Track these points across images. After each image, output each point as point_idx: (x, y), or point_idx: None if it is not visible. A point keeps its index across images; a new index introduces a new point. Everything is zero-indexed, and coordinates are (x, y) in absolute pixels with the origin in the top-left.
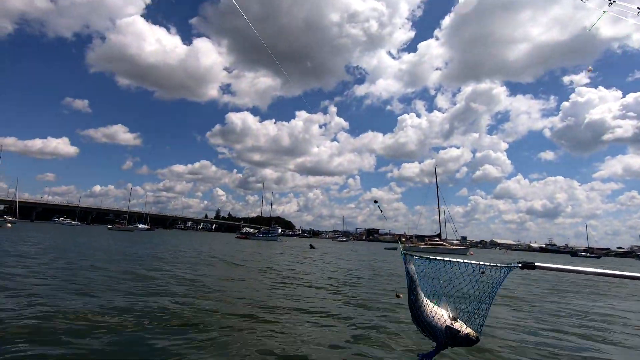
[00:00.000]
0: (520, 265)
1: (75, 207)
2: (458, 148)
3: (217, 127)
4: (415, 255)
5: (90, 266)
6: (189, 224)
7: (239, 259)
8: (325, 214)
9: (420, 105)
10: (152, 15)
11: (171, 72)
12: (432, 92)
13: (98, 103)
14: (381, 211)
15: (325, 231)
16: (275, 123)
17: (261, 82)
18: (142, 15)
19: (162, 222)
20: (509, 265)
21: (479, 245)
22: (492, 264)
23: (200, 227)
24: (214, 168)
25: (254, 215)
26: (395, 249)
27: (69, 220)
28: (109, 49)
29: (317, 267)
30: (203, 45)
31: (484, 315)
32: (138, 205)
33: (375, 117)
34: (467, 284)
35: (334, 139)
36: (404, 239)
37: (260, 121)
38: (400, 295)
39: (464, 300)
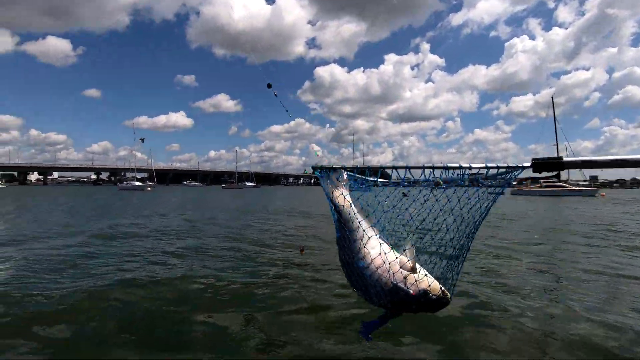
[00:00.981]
0: (531, 164)
1: (197, 171)
2: (587, 70)
3: (307, 83)
4: (346, 171)
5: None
6: (291, 179)
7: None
8: (423, 162)
9: (534, 24)
10: None
11: (259, 35)
12: (551, 4)
13: (202, 76)
14: (280, 102)
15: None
16: (363, 71)
17: (345, 30)
18: None
19: (267, 179)
20: (506, 165)
21: (615, 185)
22: (477, 166)
23: (301, 182)
24: (307, 125)
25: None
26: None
27: (193, 183)
28: (205, 22)
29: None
30: (285, 1)
31: (461, 262)
32: (245, 166)
33: (476, 47)
34: (433, 210)
35: (428, 80)
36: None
37: (348, 71)
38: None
39: (427, 240)
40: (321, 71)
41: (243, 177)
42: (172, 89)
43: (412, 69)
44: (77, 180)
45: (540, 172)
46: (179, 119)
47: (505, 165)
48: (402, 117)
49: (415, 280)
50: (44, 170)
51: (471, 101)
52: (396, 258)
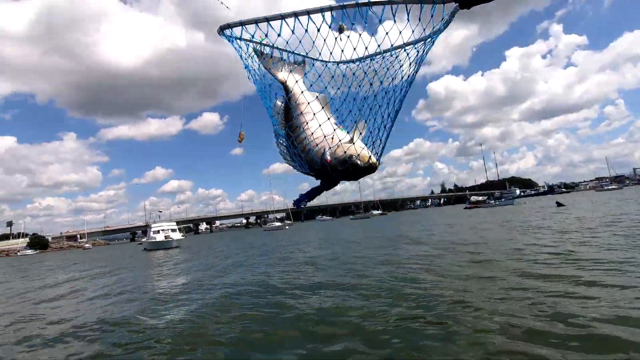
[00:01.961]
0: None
1: (326, 206)
2: None
3: (421, 102)
4: (284, 51)
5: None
6: (417, 202)
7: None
8: (577, 160)
9: None
10: None
11: None
12: None
13: None
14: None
15: (584, 181)
16: (482, 75)
17: (454, 37)
18: None
19: (393, 205)
20: None
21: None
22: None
23: (429, 203)
24: (427, 143)
25: (482, 180)
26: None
27: (324, 217)
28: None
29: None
30: (387, 26)
31: (388, 130)
32: (370, 195)
33: (631, 9)
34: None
35: (568, 65)
36: None
37: (465, 79)
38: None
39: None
40: (434, 86)
41: (369, 206)
42: None
43: (544, 57)
44: (233, 226)
45: (468, 6)
46: None
47: None
48: (540, 114)
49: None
50: (210, 220)
51: (636, 75)
52: (333, 131)
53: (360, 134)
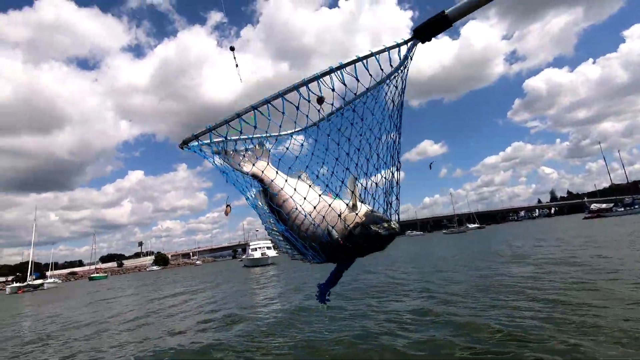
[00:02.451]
0: (412, 34)
1: (415, 220)
2: None
3: (517, 101)
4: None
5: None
6: (522, 213)
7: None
8: None
9: None
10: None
11: (449, 72)
12: None
13: (403, 129)
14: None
15: None
16: (594, 63)
17: (554, 26)
18: None
19: (492, 217)
20: (386, 47)
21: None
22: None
23: (536, 214)
24: (529, 146)
25: (605, 185)
26: None
27: (414, 232)
28: None
29: None
30: (470, 28)
31: (397, 182)
32: (464, 207)
33: None
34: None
35: None
36: None
37: (571, 70)
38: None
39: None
40: (533, 82)
41: (463, 219)
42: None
43: None
44: None
45: (428, 39)
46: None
47: (385, 46)
48: None
49: (368, 215)
50: None
51: None
52: (330, 203)
53: (362, 195)
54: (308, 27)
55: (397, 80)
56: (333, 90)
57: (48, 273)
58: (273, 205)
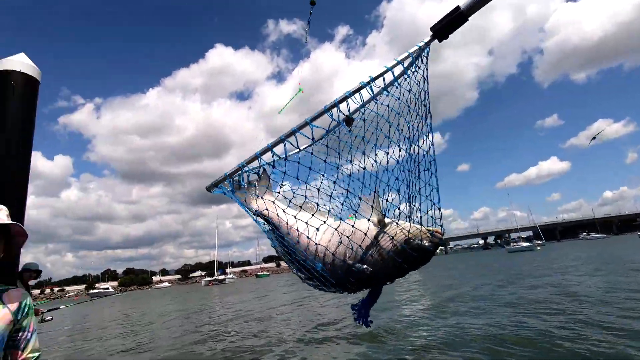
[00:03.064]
0: (432, 34)
1: (592, 220)
2: None
3: None
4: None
5: None
6: None
7: None
8: None
9: None
10: None
11: (630, 28)
12: None
13: (565, 111)
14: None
15: None
16: None
17: None
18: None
19: None
20: (406, 54)
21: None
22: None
23: None
24: None
25: None
26: None
27: (592, 234)
28: (552, 54)
29: None
30: None
31: (435, 186)
32: None
33: None
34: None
35: None
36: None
37: None
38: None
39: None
40: None
41: None
42: (535, 137)
43: None
44: (469, 247)
45: (446, 37)
46: (552, 165)
47: (405, 54)
48: None
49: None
50: (443, 242)
51: None
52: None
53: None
54: (438, 15)
55: (416, 79)
56: (363, 106)
57: (227, 270)
58: (288, 248)
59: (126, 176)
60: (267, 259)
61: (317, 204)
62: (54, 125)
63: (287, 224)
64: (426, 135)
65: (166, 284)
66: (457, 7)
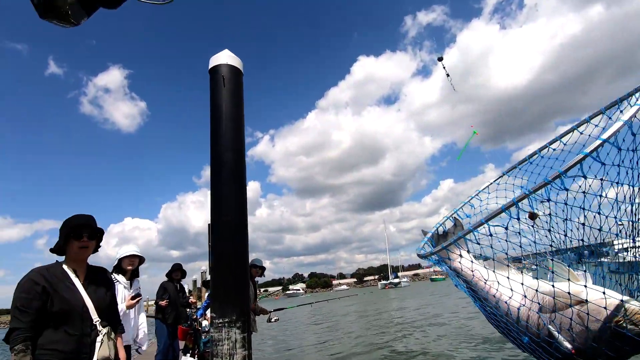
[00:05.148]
0: None
1: None
2: None
3: None
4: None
5: None
6: None
7: None
8: None
9: None
10: None
11: None
12: None
13: None
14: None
15: None
16: None
17: None
18: None
19: None
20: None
21: None
22: None
23: None
24: None
25: None
26: None
27: None
28: None
29: None
30: None
31: None
32: None
33: None
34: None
35: None
36: None
37: None
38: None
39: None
40: None
41: None
42: None
43: None
44: None
45: None
46: None
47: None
48: None
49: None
50: None
51: None
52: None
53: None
54: None
55: None
56: (549, 200)
57: (399, 274)
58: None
59: (300, 192)
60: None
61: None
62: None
63: (485, 283)
64: None
65: (344, 286)
66: None
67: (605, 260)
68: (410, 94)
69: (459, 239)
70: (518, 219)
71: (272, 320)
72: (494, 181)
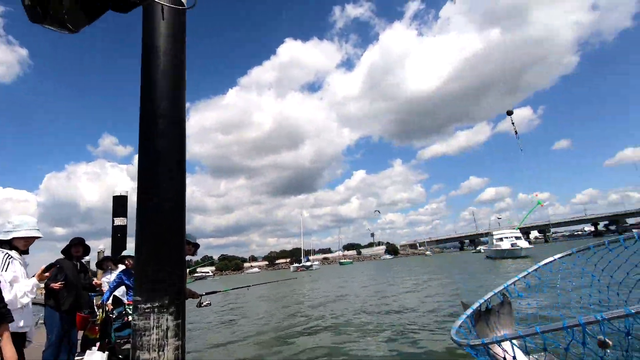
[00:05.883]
0: None
1: None
2: None
3: None
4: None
5: None
6: None
7: None
8: None
9: None
10: None
11: None
12: None
13: None
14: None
15: None
16: None
17: None
18: None
19: None
20: None
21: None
22: None
23: None
24: None
25: None
26: None
27: None
28: None
29: None
30: None
31: None
32: None
33: None
34: None
35: None
36: None
37: None
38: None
39: None
40: None
41: None
42: None
43: None
44: (572, 234)
45: None
46: None
47: None
48: None
49: None
50: (542, 229)
51: None
52: None
53: None
54: None
55: None
56: (629, 334)
57: (311, 257)
58: None
59: (214, 171)
60: (348, 247)
61: None
62: None
63: None
64: None
65: (256, 269)
66: None
67: None
68: (334, 84)
69: (502, 340)
70: (584, 344)
71: (204, 304)
72: (560, 257)
